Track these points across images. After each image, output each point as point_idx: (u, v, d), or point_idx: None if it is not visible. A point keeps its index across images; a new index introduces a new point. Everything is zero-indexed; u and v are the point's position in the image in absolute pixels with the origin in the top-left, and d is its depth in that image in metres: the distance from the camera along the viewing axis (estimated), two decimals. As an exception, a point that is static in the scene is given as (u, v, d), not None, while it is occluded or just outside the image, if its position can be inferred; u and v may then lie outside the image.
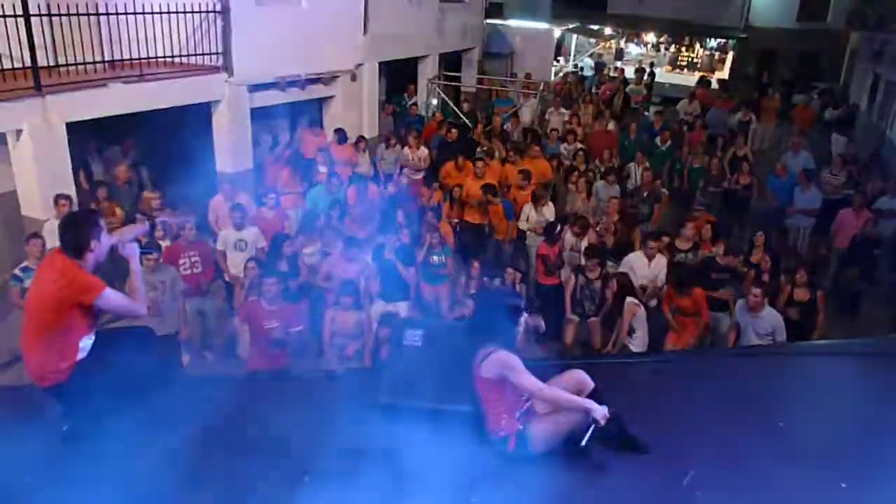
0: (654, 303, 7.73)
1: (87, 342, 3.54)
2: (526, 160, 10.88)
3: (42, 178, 7.96)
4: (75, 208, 7.79)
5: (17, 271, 6.87)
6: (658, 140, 12.26)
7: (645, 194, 9.88)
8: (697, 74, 22.74)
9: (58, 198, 7.53)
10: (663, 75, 25.11)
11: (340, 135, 11.17)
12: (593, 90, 18.73)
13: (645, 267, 7.84)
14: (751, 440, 3.91)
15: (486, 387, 3.71)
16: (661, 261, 7.87)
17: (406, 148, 11.62)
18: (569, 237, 8.45)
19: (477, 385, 3.76)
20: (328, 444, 3.78)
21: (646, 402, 4.08)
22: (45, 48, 7.85)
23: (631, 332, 7.29)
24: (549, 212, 9.34)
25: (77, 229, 3.51)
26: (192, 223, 7.73)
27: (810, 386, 4.52)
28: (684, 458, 3.70)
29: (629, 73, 21.39)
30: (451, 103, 15.45)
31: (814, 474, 3.72)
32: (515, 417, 3.70)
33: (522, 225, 9.43)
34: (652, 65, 23.98)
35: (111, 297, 3.48)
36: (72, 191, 8.25)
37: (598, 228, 8.91)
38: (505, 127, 13.71)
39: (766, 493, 3.55)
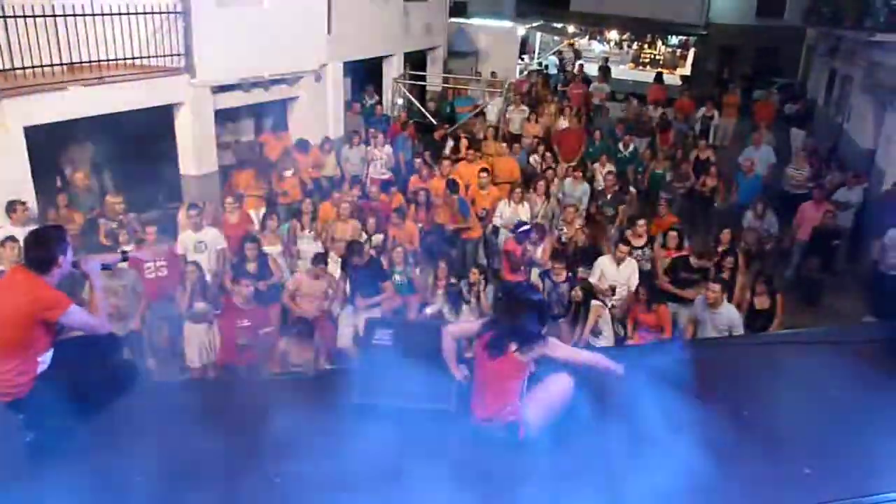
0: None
1: (46, 356, 3.50)
2: (488, 157, 10.95)
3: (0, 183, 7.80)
4: (31, 214, 7.68)
5: None
6: (620, 145, 12.38)
7: (609, 196, 9.96)
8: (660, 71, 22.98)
9: (13, 204, 7.39)
10: (626, 72, 25.36)
11: (302, 144, 11.10)
12: (558, 88, 18.90)
13: (615, 271, 7.89)
14: (715, 428, 3.97)
15: (507, 373, 3.73)
16: (630, 264, 7.92)
17: (372, 147, 11.63)
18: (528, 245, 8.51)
19: (494, 371, 3.76)
20: (300, 445, 3.77)
21: (613, 391, 4.12)
22: (1, 51, 7.68)
23: (597, 333, 7.37)
24: (523, 211, 9.40)
25: (45, 246, 3.46)
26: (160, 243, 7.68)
27: (773, 374, 4.61)
28: (651, 447, 3.75)
29: (591, 70, 21.59)
30: (416, 102, 15.45)
31: (778, 461, 3.80)
32: (519, 402, 3.78)
33: (497, 221, 9.49)
34: (606, 60, 24.19)
35: (76, 314, 3.44)
36: (31, 196, 8.10)
37: (562, 238, 8.97)
38: (472, 126, 13.78)
39: (731, 479, 3.62)
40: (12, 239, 6.91)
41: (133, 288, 6.91)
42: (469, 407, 3.92)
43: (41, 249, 3.45)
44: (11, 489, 3.53)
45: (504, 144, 11.44)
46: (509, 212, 9.38)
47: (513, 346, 3.69)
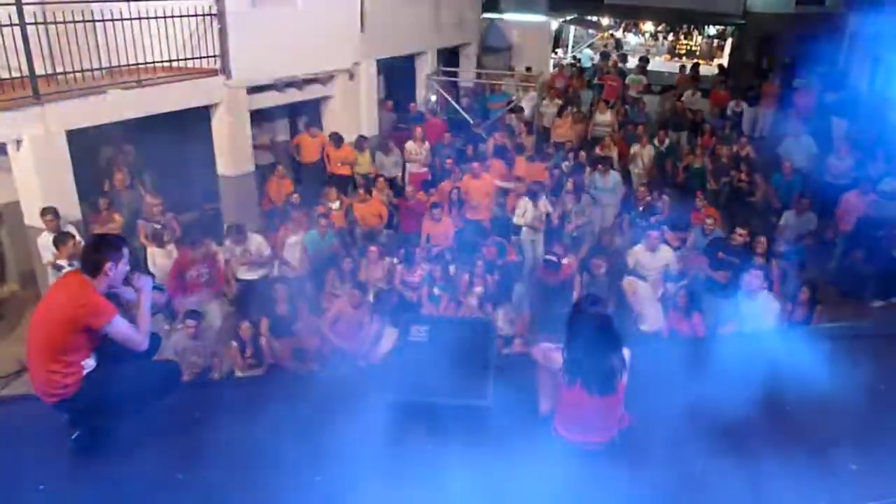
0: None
1: (91, 360, 3.58)
2: (520, 162, 10.94)
3: (43, 186, 7.98)
4: (67, 220, 7.91)
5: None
6: (656, 140, 12.26)
7: (641, 209, 9.84)
8: (698, 62, 22.64)
9: (43, 211, 7.58)
10: (662, 64, 25.01)
11: (336, 138, 11.19)
12: (594, 81, 18.72)
13: (649, 258, 7.81)
14: (759, 422, 3.91)
15: (616, 398, 3.65)
16: (665, 251, 7.82)
17: (410, 142, 11.68)
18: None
19: (603, 404, 3.63)
20: (337, 443, 3.79)
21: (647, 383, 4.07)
22: (43, 56, 7.84)
23: (641, 320, 7.29)
24: (544, 206, 9.35)
25: (94, 250, 3.60)
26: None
27: (816, 368, 4.50)
28: (692, 442, 3.70)
29: (630, 63, 21.36)
30: (450, 99, 15.43)
31: (822, 456, 3.72)
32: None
33: (518, 220, 9.41)
34: (647, 52, 23.90)
35: (119, 326, 3.52)
36: (74, 199, 8.27)
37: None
38: (507, 121, 13.75)
39: (776, 473, 3.55)
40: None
41: (211, 349, 7.14)
42: (551, 425, 3.78)
43: (92, 252, 3.59)
44: (58, 484, 3.62)
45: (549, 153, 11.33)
46: (532, 210, 9.29)
47: (622, 378, 3.58)
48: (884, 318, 8.32)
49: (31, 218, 8.10)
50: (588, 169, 10.89)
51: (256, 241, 8.17)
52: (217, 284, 7.81)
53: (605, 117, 13.72)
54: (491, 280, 8.04)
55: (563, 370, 3.60)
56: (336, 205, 9.74)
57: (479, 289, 7.89)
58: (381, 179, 10.39)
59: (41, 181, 7.97)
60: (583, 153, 11.64)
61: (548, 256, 8.32)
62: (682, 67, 19.04)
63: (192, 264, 7.56)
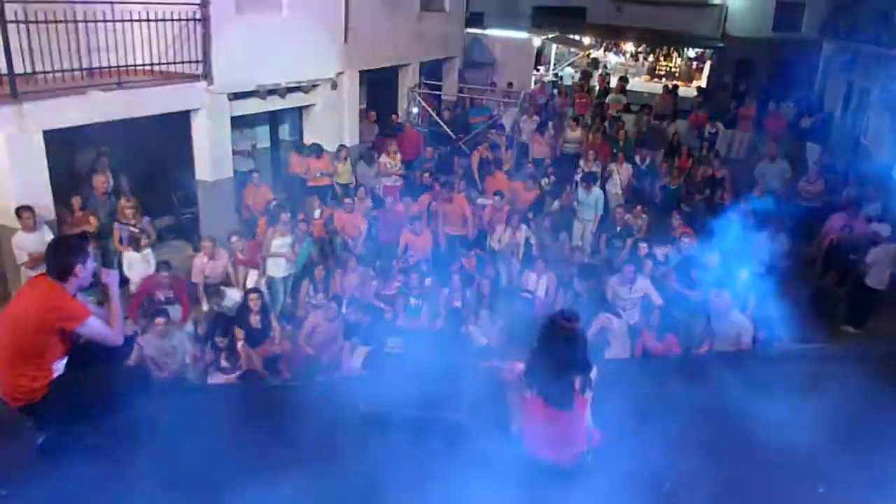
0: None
1: (60, 364, 3.52)
2: (514, 184, 10.97)
3: (18, 186, 7.85)
4: (42, 219, 7.78)
5: None
6: (637, 159, 12.43)
7: (618, 229, 9.92)
8: (678, 84, 23.04)
9: (18, 211, 7.48)
10: (641, 84, 25.36)
11: (316, 148, 11.23)
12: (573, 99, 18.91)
13: (627, 290, 7.79)
14: (727, 442, 3.94)
15: (578, 413, 3.63)
16: (642, 282, 7.83)
17: (384, 155, 11.69)
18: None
19: (565, 419, 3.60)
20: (308, 452, 3.76)
21: (622, 406, 4.10)
22: (22, 55, 7.75)
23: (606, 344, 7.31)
24: (521, 235, 9.37)
25: (64, 254, 3.49)
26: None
27: (784, 389, 4.56)
28: (663, 460, 3.72)
29: (611, 82, 21.65)
30: (432, 112, 15.48)
31: (790, 477, 3.76)
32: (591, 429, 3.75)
33: (495, 245, 9.42)
34: (626, 72, 24.25)
35: (93, 325, 3.46)
36: (49, 200, 8.16)
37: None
38: (490, 136, 13.85)
39: (742, 495, 3.59)
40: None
41: (182, 348, 7.04)
42: (522, 442, 3.73)
43: (59, 257, 3.48)
44: (23, 490, 3.55)
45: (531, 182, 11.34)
46: (507, 237, 9.29)
47: (581, 393, 3.55)
48: (852, 341, 8.44)
49: (3, 217, 7.98)
50: (568, 188, 10.98)
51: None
52: (184, 310, 7.74)
53: (574, 134, 13.88)
54: (469, 293, 8.04)
55: (523, 377, 3.59)
56: (317, 213, 9.72)
57: (457, 303, 7.89)
58: (362, 189, 10.38)
59: (16, 180, 7.84)
60: (551, 177, 11.71)
61: (523, 294, 8.21)
62: (666, 88, 19.31)
63: (157, 288, 7.54)
